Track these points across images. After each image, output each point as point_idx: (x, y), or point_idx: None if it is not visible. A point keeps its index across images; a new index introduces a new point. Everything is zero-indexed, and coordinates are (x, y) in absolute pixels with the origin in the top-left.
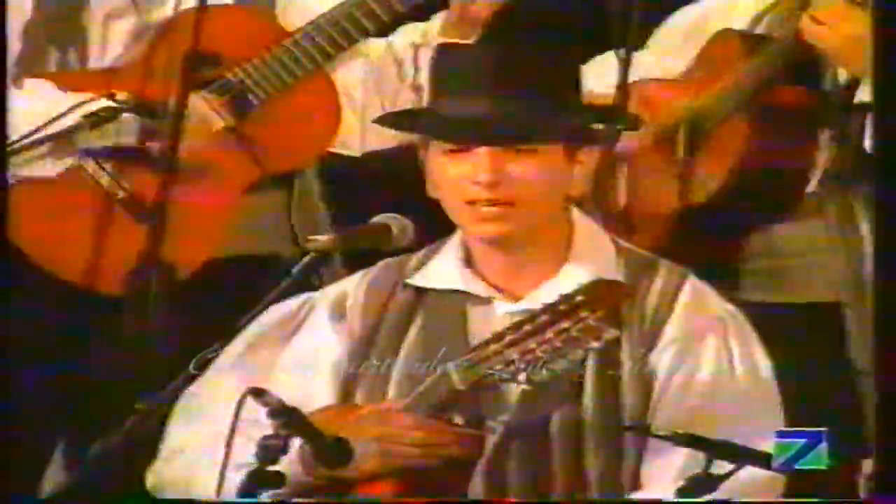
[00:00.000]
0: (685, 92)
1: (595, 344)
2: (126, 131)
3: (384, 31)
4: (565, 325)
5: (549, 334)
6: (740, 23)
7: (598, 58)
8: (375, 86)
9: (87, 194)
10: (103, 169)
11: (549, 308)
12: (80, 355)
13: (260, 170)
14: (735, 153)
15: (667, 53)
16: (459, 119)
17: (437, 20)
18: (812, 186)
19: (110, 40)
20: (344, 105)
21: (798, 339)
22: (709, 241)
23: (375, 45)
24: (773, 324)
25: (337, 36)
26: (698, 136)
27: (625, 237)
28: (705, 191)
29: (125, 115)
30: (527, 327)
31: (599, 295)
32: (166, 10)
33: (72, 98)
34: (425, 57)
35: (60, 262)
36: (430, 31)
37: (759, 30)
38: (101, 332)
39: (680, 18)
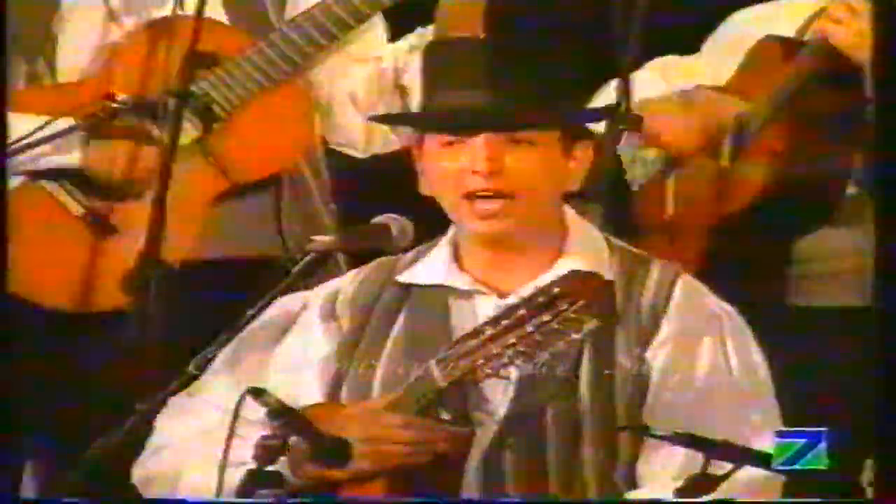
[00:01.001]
0: (731, 99)
1: (576, 336)
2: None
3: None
4: (545, 317)
5: (530, 328)
6: (789, 29)
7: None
8: (378, 89)
9: (46, 214)
10: (61, 186)
11: (528, 301)
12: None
13: (227, 181)
14: (774, 159)
15: (718, 61)
16: (456, 110)
17: (431, 27)
18: (852, 190)
19: (81, 49)
20: (350, 107)
21: (837, 343)
22: (752, 248)
23: (383, 49)
24: (813, 328)
25: (304, 44)
26: (742, 144)
27: (669, 247)
28: (747, 197)
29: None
30: (505, 322)
31: (576, 286)
32: (140, 16)
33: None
34: (416, 60)
35: (32, 285)
36: (426, 36)
37: (808, 35)
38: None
39: (730, 26)
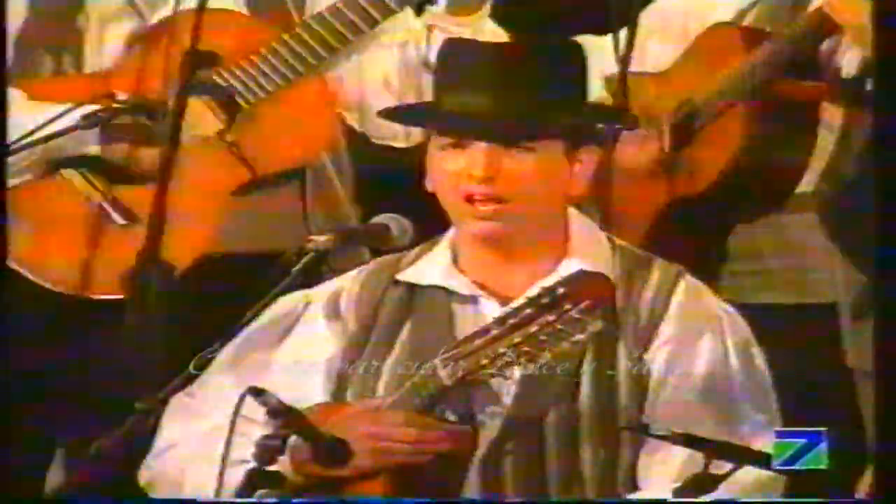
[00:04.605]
0: (671, 84)
1: (580, 336)
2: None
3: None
4: (550, 317)
5: (534, 328)
6: (723, 17)
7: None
8: (407, 72)
9: (68, 203)
10: (84, 176)
11: (533, 301)
12: (77, 358)
13: (249, 172)
14: (733, 146)
15: (643, 48)
16: (460, 114)
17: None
18: (808, 183)
19: (106, 43)
20: (385, 95)
21: (793, 340)
22: (699, 237)
23: (407, 33)
24: (767, 325)
25: (328, 36)
26: (690, 130)
27: (614, 232)
28: (701, 184)
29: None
30: (511, 321)
31: (582, 287)
32: (165, 11)
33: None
34: (437, 36)
35: (49, 273)
36: (438, 11)
37: (746, 23)
38: (99, 335)
39: (653, 14)
